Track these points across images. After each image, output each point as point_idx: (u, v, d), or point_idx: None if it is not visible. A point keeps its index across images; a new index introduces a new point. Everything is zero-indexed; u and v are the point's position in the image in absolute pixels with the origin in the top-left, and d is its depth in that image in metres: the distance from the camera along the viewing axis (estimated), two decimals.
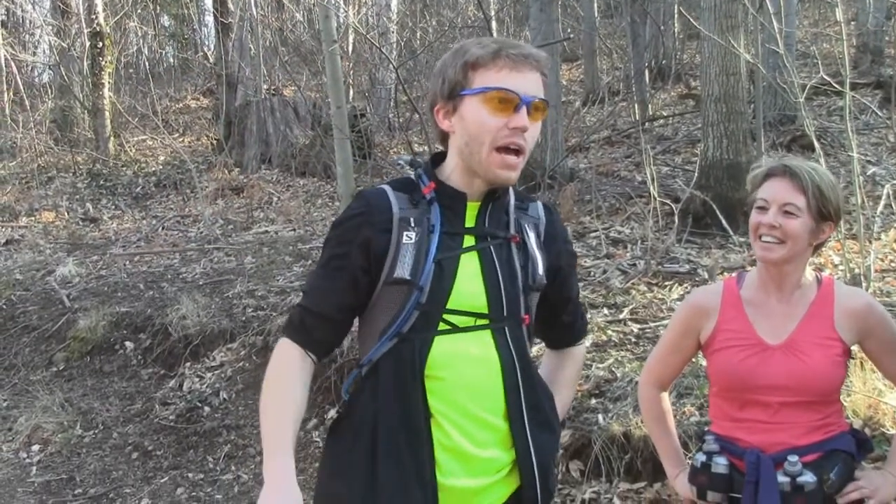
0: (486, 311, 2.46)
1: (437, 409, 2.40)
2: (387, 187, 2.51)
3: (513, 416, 2.48)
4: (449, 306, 2.43)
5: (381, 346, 2.42)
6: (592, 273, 8.00)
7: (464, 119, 2.41)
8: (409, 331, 2.40)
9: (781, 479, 2.76)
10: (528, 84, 2.38)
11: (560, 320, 2.79)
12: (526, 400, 2.50)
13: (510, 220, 2.54)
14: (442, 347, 2.41)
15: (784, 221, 2.78)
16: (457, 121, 2.43)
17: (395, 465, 2.37)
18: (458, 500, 2.44)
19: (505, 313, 2.48)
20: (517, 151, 2.39)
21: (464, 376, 2.42)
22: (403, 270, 2.39)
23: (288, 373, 2.45)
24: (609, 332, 6.64)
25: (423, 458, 2.38)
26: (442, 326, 2.42)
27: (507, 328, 2.49)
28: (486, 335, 2.46)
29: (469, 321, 2.44)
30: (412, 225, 2.42)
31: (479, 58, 2.39)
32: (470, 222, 2.49)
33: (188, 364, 8.15)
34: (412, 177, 2.54)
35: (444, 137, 2.52)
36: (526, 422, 2.49)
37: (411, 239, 2.41)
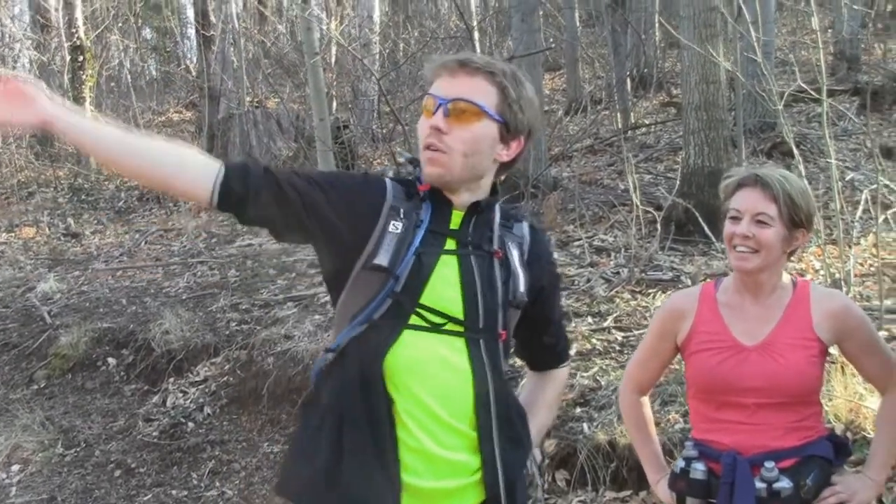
0: (461, 317, 2.46)
1: (400, 403, 2.40)
2: (386, 177, 2.58)
3: (481, 428, 2.47)
4: (423, 301, 2.44)
5: (351, 330, 2.42)
6: (576, 282, 8.01)
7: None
8: (379, 318, 2.41)
9: (758, 484, 2.78)
10: (456, 87, 2.44)
11: (542, 341, 2.80)
12: (497, 413, 2.50)
13: (494, 236, 2.56)
14: (411, 342, 2.41)
15: (757, 231, 2.81)
16: None
17: (359, 457, 2.37)
18: (424, 502, 2.44)
19: (481, 325, 2.49)
20: (437, 150, 2.44)
21: (432, 377, 2.42)
22: (383, 258, 2.41)
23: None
24: (593, 340, 6.65)
25: (388, 458, 2.38)
26: (413, 320, 2.43)
27: (482, 340, 2.49)
28: (460, 342, 2.47)
29: (441, 321, 2.44)
30: (401, 216, 2.46)
31: (430, 73, 2.52)
32: (454, 226, 2.52)
33: (171, 379, 8.12)
34: (409, 176, 2.57)
35: None
36: (495, 435, 2.49)
37: (397, 229, 2.44)
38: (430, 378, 2.42)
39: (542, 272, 2.69)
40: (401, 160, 2.70)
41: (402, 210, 2.47)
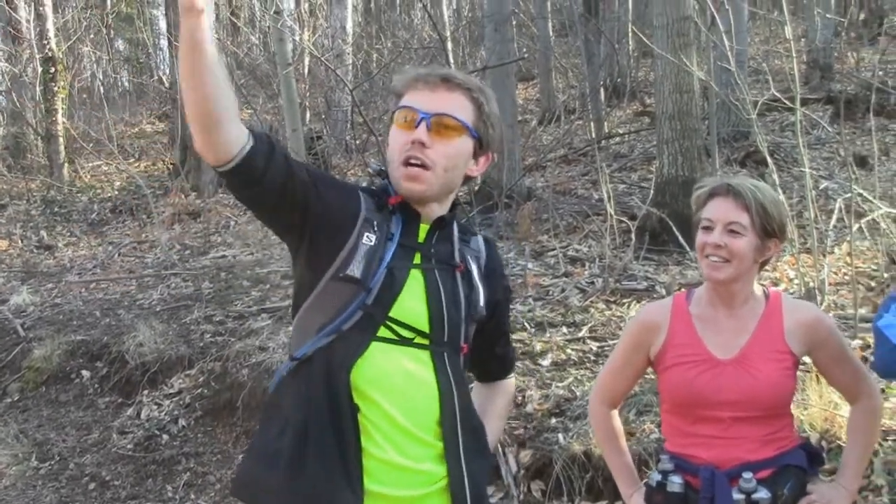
0: (427, 331, 2.48)
1: (370, 417, 2.40)
2: (358, 187, 2.58)
3: (448, 439, 2.49)
4: (392, 314, 2.44)
5: (318, 340, 2.42)
6: (551, 292, 8.02)
7: (388, 143, 2.52)
8: (348, 330, 2.41)
9: (736, 496, 2.79)
10: (437, 102, 2.46)
11: (494, 352, 2.84)
12: (462, 424, 2.52)
13: (454, 251, 2.58)
14: (378, 354, 2.42)
15: (729, 240, 2.82)
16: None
17: (322, 464, 2.36)
18: None
19: (446, 338, 2.51)
20: (421, 166, 2.44)
21: (398, 389, 2.43)
22: (355, 269, 2.41)
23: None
24: (568, 350, 6.65)
25: (352, 465, 2.37)
26: (382, 333, 2.43)
27: (446, 353, 2.52)
28: (425, 355, 2.48)
29: (409, 334, 2.46)
30: (374, 228, 2.46)
31: (401, 84, 2.52)
32: (421, 239, 2.54)
33: (146, 392, 8.07)
34: (374, 187, 2.59)
35: None
36: (461, 446, 2.50)
37: (370, 241, 2.44)
38: (396, 390, 2.43)
39: (498, 285, 2.74)
40: (369, 170, 2.70)
41: (375, 222, 2.47)
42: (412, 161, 2.43)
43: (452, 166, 2.48)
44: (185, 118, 2.28)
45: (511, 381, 2.99)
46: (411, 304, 2.47)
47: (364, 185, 2.64)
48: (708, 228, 2.87)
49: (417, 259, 2.51)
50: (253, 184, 2.33)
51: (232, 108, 2.27)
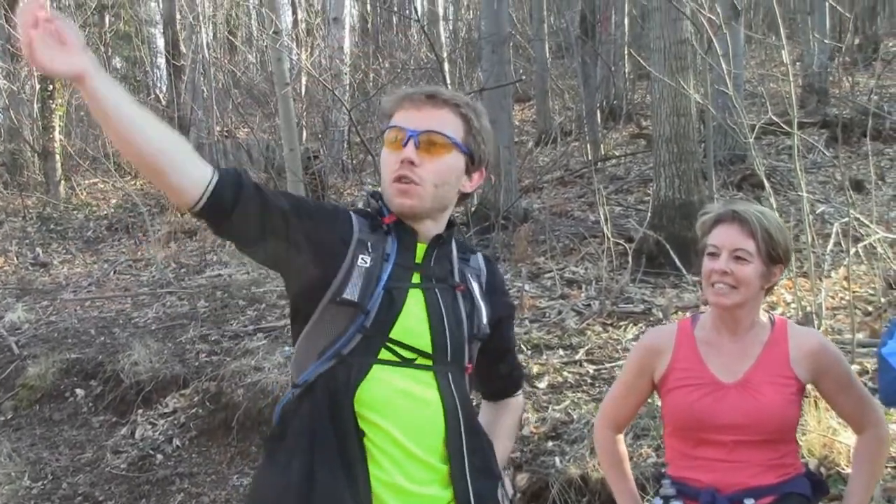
0: (430, 351, 2.47)
1: (372, 439, 2.38)
2: (350, 209, 2.57)
3: (453, 460, 2.47)
4: (392, 336, 2.43)
5: (319, 366, 2.40)
6: (548, 314, 8.01)
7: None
8: (348, 354, 2.39)
9: None
10: (424, 120, 2.46)
11: (498, 371, 2.82)
12: (467, 445, 2.50)
13: (454, 269, 2.58)
14: (380, 377, 2.40)
15: (735, 267, 2.81)
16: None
17: (331, 493, 2.34)
18: None
19: (449, 358, 2.50)
20: (410, 182, 2.44)
21: (402, 412, 2.41)
22: (352, 293, 2.39)
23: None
24: (565, 373, 6.64)
25: (360, 492, 2.35)
26: (383, 355, 2.42)
27: (450, 373, 2.50)
28: (429, 376, 2.47)
29: (411, 355, 2.44)
30: (369, 249, 2.45)
31: (390, 105, 2.53)
32: (418, 260, 2.52)
33: (140, 411, 8.03)
34: (369, 209, 2.58)
35: None
36: (466, 467, 2.49)
37: (366, 263, 2.43)
38: (401, 413, 2.41)
39: (499, 303, 2.72)
40: (361, 194, 2.70)
41: (369, 243, 2.46)
42: (402, 179, 2.43)
43: (442, 182, 2.47)
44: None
45: (519, 399, 2.96)
46: (412, 324, 2.45)
47: (359, 206, 2.63)
48: (714, 255, 2.87)
49: (416, 279, 2.50)
50: (223, 218, 2.29)
51: (179, 152, 2.22)
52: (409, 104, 2.48)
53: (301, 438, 2.38)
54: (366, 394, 2.38)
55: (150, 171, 2.21)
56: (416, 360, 2.45)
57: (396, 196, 2.45)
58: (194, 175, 2.23)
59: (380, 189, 2.56)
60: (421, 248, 2.52)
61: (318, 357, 2.41)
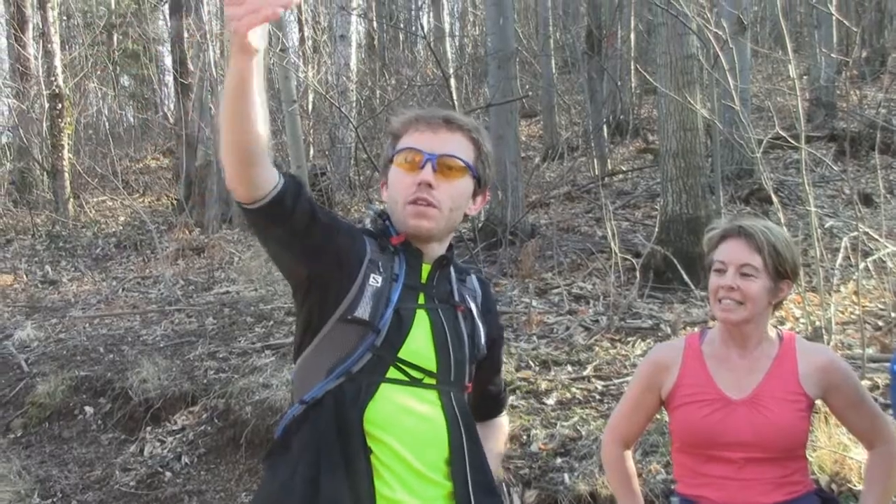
0: (434, 370, 2.49)
1: (379, 457, 2.39)
2: (361, 231, 2.57)
3: (457, 478, 2.48)
4: (400, 355, 2.45)
5: (328, 383, 2.41)
6: (555, 330, 7.99)
7: (388, 184, 2.56)
8: (357, 372, 2.40)
9: None
10: (440, 143, 2.50)
11: (489, 391, 2.85)
12: (470, 463, 2.51)
13: (454, 290, 2.61)
14: (387, 395, 2.42)
15: (742, 283, 2.81)
16: (388, 189, 2.57)
17: (334, 501, 2.34)
18: None
19: (452, 378, 2.53)
20: (428, 205, 2.47)
21: (408, 430, 2.43)
22: (363, 311, 2.41)
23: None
24: (573, 389, 6.62)
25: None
26: (391, 374, 2.44)
27: (452, 392, 2.53)
28: (433, 395, 2.49)
29: (418, 375, 2.46)
30: (380, 269, 2.47)
31: (400, 126, 2.55)
32: (424, 279, 2.55)
33: (149, 428, 8.03)
34: (370, 226, 2.62)
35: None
36: (470, 484, 2.49)
37: (377, 283, 2.45)
38: (407, 430, 2.42)
39: (493, 323, 2.77)
40: (367, 211, 2.72)
41: (379, 263, 2.48)
42: (420, 202, 2.45)
43: (457, 206, 2.52)
44: (220, 154, 2.26)
45: (505, 419, 3.01)
46: (419, 344, 2.47)
47: (366, 224, 2.65)
48: (720, 271, 2.86)
49: (421, 299, 2.52)
50: (281, 223, 2.34)
51: (266, 146, 2.27)
52: (423, 126, 2.51)
53: (306, 452, 2.39)
54: (374, 412, 2.39)
55: (243, 156, 2.23)
56: (423, 379, 2.47)
57: (412, 218, 2.47)
58: (268, 173, 2.29)
59: (385, 208, 2.57)
60: (426, 269, 2.55)
61: (326, 374, 2.41)
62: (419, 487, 2.42)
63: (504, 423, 3.00)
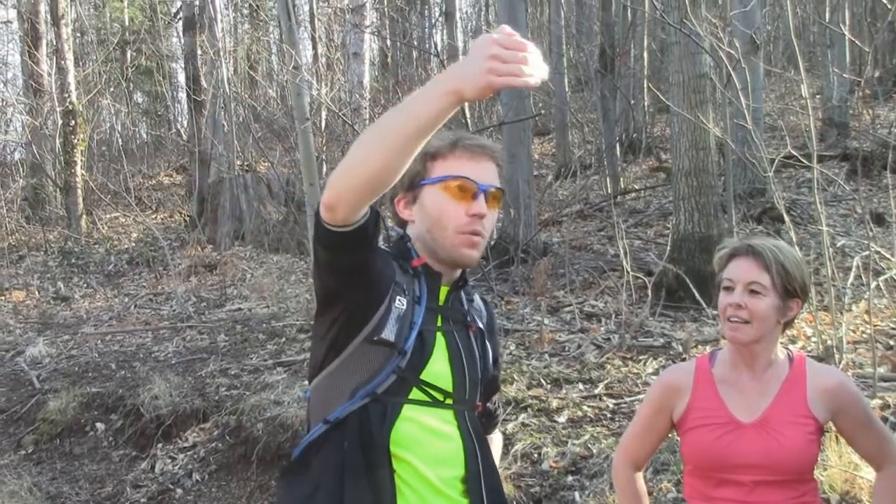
0: (451, 390, 2.52)
1: (402, 476, 2.41)
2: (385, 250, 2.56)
3: (472, 496, 2.51)
4: (423, 377, 2.47)
5: (352, 403, 2.41)
6: (567, 348, 7.99)
7: (424, 207, 2.53)
8: (382, 393, 2.41)
9: None
10: (485, 173, 2.53)
11: (487, 408, 2.88)
12: (485, 480, 2.54)
13: (465, 310, 2.65)
14: (410, 416, 2.44)
15: (749, 301, 2.81)
16: (417, 210, 2.55)
17: None
18: None
19: (467, 397, 2.57)
20: (480, 235, 2.51)
21: (429, 449, 2.45)
22: (389, 333, 2.42)
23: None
24: (584, 407, 6.61)
25: None
26: (413, 395, 2.45)
27: (466, 412, 2.56)
28: (450, 414, 2.52)
29: (439, 396, 2.49)
30: (404, 292, 2.47)
31: (439, 148, 2.52)
32: (442, 302, 2.58)
33: (160, 445, 8.04)
34: (388, 248, 2.59)
35: (402, 226, 2.62)
36: (485, 501, 2.52)
37: (402, 305, 2.45)
38: (428, 449, 2.45)
39: (496, 343, 2.81)
40: (390, 234, 2.70)
41: (404, 286, 2.49)
42: (475, 234, 2.49)
43: (491, 233, 2.61)
44: (341, 176, 2.20)
45: (500, 435, 3.07)
46: (438, 366, 2.50)
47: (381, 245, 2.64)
48: (729, 289, 2.87)
49: (439, 321, 2.55)
50: (362, 249, 2.34)
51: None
52: (466, 154, 2.53)
53: (328, 472, 2.39)
54: (399, 432, 2.41)
55: (376, 186, 2.21)
56: (443, 400, 2.50)
57: (465, 247, 2.50)
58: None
59: (413, 231, 2.57)
60: (443, 291, 2.58)
61: (350, 394, 2.42)
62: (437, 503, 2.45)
63: (498, 440, 3.05)
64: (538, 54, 2.04)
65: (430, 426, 2.46)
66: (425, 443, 2.44)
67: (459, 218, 2.48)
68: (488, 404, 2.87)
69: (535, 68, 2.03)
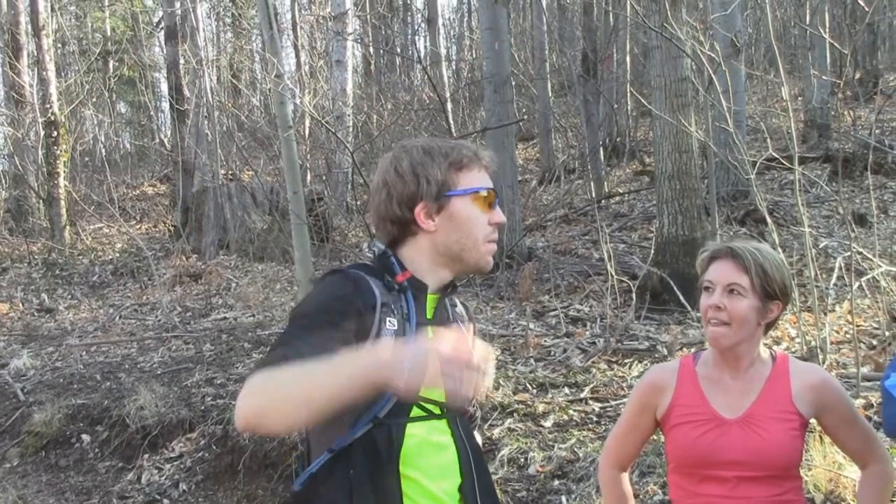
0: (444, 400, 2.47)
1: (410, 496, 2.41)
2: (360, 272, 2.53)
3: (467, 500, 2.52)
4: (421, 394, 2.42)
5: (355, 430, 2.40)
6: (552, 352, 8.00)
7: (454, 218, 2.55)
8: (384, 416, 2.41)
9: None
10: (488, 182, 2.62)
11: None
12: (479, 485, 2.55)
13: (450, 315, 2.66)
14: (414, 434, 2.44)
15: (728, 302, 2.82)
16: (443, 220, 2.54)
17: None
18: None
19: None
20: (495, 243, 2.62)
21: (430, 462, 2.46)
22: None
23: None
24: (570, 411, 6.62)
25: None
26: (414, 413, 2.45)
27: (457, 419, 2.56)
28: (443, 423, 2.52)
29: (436, 409, 2.49)
30: (392, 311, 2.47)
31: (466, 159, 2.57)
32: (429, 314, 2.58)
33: (146, 456, 8.02)
34: (369, 262, 2.59)
35: (403, 234, 2.58)
36: None
37: (394, 325, 2.45)
38: (430, 463, 2.46)
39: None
40: (368, 252, 2.72)
41: (392, 305, 2.48)
42: (495, 241, 2.61)
43: None
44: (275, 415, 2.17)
45: (478, 440, 3.01)
46: (432, 379, 2.47)
47: (365, 252, 2.65)
48: (709, 290, 2.89)
49: (430, 334, 2.49)
50: None
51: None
52: (480, 165, 2.61)
53: (337, 499, 2.38)
54: (405, 453, 2.42)
55: (311, 421, 2.24)
56: (441, 412, 2.50)
57: (490, 255, 2.62)
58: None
59: (428, 240, 2.56)
60: (431, 300, 2.58)
61: (352, 422, 2.41)
62: None
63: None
64: (488, 363, 2.14)
65: (431, 440, 2.47)
66: (428, 457, 2.45)
67: (485, 227, 2.57)
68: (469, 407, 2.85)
69: (480, 380, 2.12)
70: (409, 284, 2.52)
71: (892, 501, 3.14)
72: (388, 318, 2.44)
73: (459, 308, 2.76)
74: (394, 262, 2.55)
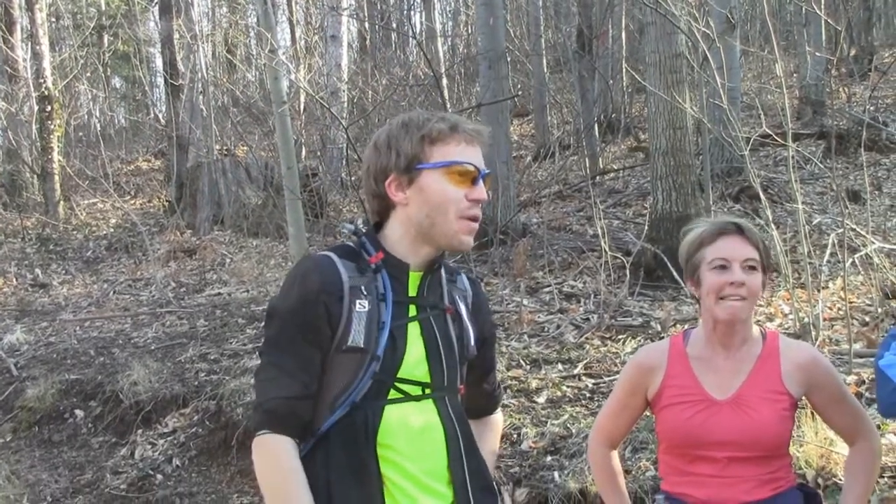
0: (428, 380, 2.50)
1: (390, 478, 2.41)
2: (332, 255, 2.50)
3: (456, 483, 2.50)
4: (399, 376, 2.45)
5: (333, 415, 2.41)
6: (546, 328, 8.01)
7: (424, 191, 2.47)
8: (361, 399, 2.40)
9: None
10: (477, 157, 2.51)
11: (482, 389, 2.84)
12: (468, 467, 2.54)
13: (444, 292, 2.60)
14: (392, 416, 2.43)
15: (748, 278, 2.81)
16: (414, 193, 2.49)
17: None
18: None
19: (446, 383, 2.53)
20: (478, 220, 2.50)
21: (413, 445, 2.45)
22: (357, 339, 2.40)
23: (296, 479, 2.37)
24: (563, 387, 6.64)
25: None
26: (392, 395, 2.44)
27: (447, 398, 2.54)
28: (429, 404, 2.51)
29: (417, 390, 2.48)
30: (364, 293, 2.44)
31: (439, 132, 2.48)
32: (412, 292, 2.54)
33: (140, 431, 8.02)
34: (352, 245, 2.55)
35: (385, 209, 2.55)
36: (469, 489, 2.52)
37: (364, 307, 2.43)
38: (411, 445, 2.45)
39: (485, 323, 2.76)
40: (344, 231, 2.69)
41: (362, 287, 2.45)
42: (475, 219, 2.49)
43: None
44: None
45: (499, 416, 3.01)
46: (413, 359, 2.48)
47: (342, 243, 2.61)
48: (724, 268, 2.86)
49: (413, 311, 2.52)
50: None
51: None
52: (465, 139, 2.50)
53: (318, 484, 2.38)
54: (382, 435, 2.41)
55: None
56: (424, 392, 2.49)
57: (465, 234, 2.48)
58: None
59: (402, 214, 2.53)
60: (414, 278, 2.53)
61: (331, 406, 2.42)
62: (424, 499, 2.45)
63: (498, 420, 3.00)
64: None
65: (412, 422, 2.45)
66: (409, 439, 2.44)
67: (460, 202, 2.46)
68: (484, 385, 2.83)
69: None
70: (384, 264, 2.49)
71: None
72: (357, 301, 2.42)
73: (463, 283, 2.71)
74: (365, 241, 2.52)
